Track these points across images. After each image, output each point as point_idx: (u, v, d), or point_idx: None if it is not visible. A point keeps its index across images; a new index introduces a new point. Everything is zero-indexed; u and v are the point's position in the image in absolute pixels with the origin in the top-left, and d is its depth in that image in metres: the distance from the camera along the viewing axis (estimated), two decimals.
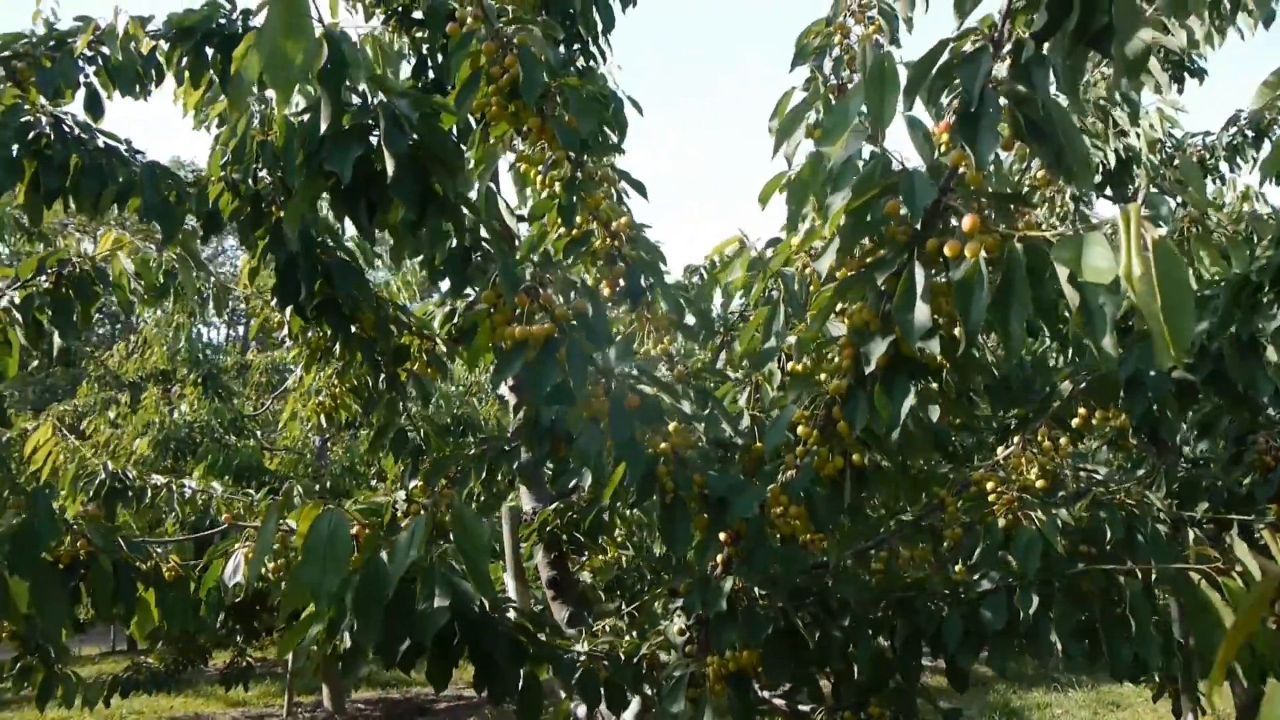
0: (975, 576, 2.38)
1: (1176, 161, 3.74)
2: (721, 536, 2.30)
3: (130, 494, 4.19)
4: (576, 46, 3.56)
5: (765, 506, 2.16)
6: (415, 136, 1.64)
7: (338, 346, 3.03)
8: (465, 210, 1.79)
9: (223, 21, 2.90)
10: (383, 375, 3.13)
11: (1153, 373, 2.60)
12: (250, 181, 2.55)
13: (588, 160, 2.15)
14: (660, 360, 2.43)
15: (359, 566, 2.23)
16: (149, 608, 2.80)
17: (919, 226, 1.63)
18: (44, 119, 2.52)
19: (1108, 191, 4.84)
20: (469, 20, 2.01)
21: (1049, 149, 1.52)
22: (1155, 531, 2.42)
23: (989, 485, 2.60)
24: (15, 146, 2.46)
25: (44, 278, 2.94)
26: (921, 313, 1.60)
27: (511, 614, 2.54)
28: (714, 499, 2.18)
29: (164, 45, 2.95)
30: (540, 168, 2.17)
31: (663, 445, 2.18)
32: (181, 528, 4.43)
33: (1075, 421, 2.67)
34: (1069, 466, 2.64)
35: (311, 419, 4.84)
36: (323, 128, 1.51)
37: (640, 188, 2.20)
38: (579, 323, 1.88)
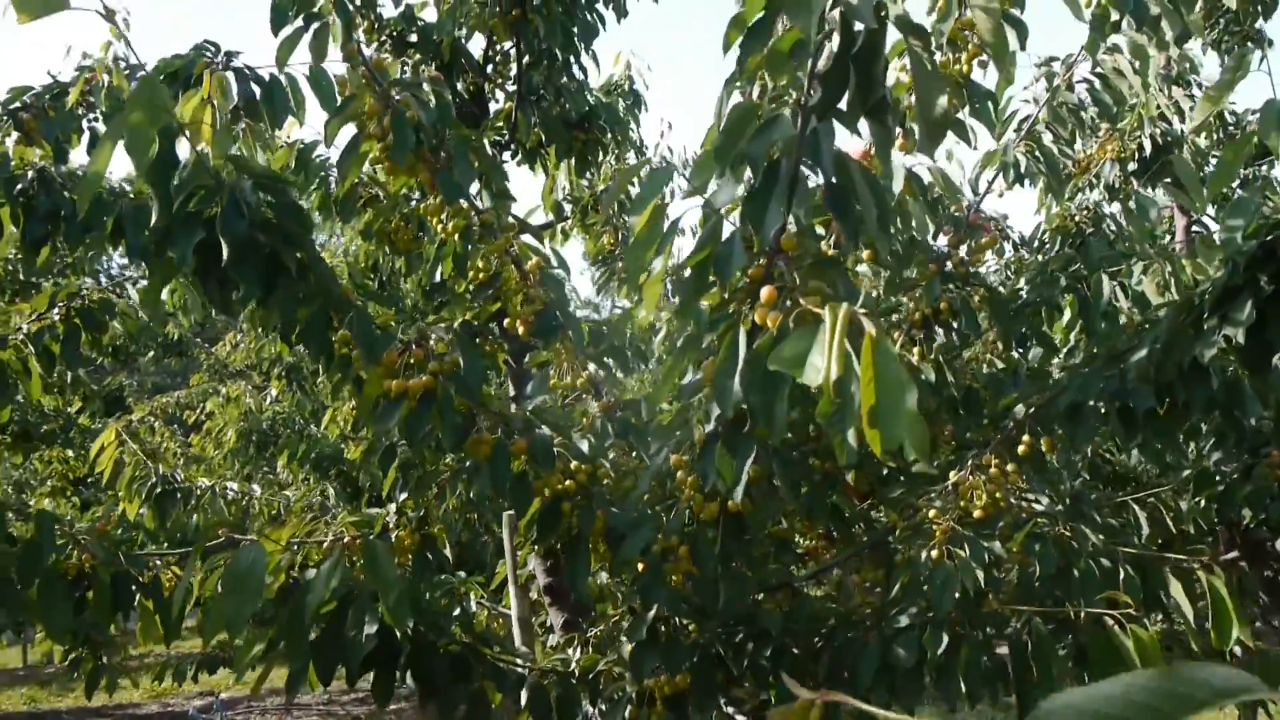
0: (894, 611, 2.36)
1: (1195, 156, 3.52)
2: (640, 567, 2.35)
3: (179, 496, 4.50)
4: (559, 64, 3.61)
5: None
6: (269, 212, 1.73)
7: (321, 368, 3.18)
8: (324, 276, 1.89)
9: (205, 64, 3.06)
10: None
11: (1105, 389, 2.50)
12: None
13: (487, 209, 2.21)
14: (583, 393, 2.48)
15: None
16: (152, 617, 3.02)
17: (726, 293, 1.63)
18: (30, 171, 2.74)
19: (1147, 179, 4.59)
20: (360, 81, 2.09)
21: (847, 221, 1.50)
22: (1089, 567, 2.34)
23: (930, 513, 2.56)
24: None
25: (56, 310, 3.19)
26: (738, 380, 1.60)
27: (457, 630, 2.65)
28: (615, 536, 2.23)
29: None
30: (441, 216, 2.24)
31: (567, 483, 2.24)
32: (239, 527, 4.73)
33: (1020, 449, 2.59)
34: (1014, 494, 2.56)
35: (349, 420, 5.10)
36: (153, 220, 1.63)
37: (535, 233, 2.25)
38: (452, 376, 1.95)
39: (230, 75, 2.39)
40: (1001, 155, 2.81)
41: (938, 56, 2.35)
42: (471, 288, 2.26)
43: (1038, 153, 2.85)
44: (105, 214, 2.87)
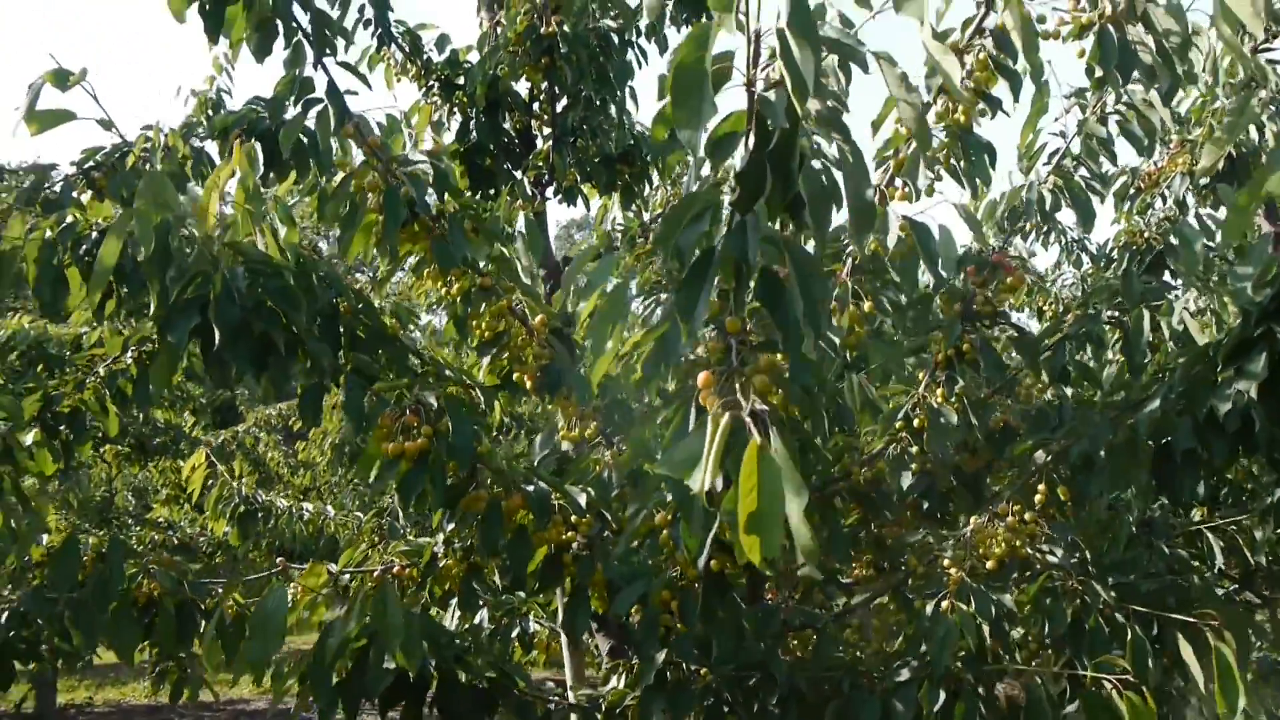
0: (897, 664, 2.35)
1: None
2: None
3: (259, 515, 4.77)
4: (598, 103, 3.68)
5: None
6: (263, 294, 1.86)
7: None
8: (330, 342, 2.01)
9: (254, 119, 3.25)
10: None
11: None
12: None
13: (484, 274, 2.30)
14: (596, 444, 2.55)
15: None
16: (215, 642, 3.22)
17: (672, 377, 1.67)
18: (93, 233, 2.96)
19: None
20: (362, 157, 2.20)
21: (778, 313, 1.52)
22: (1097, 624, 2.28)
23: (945, 561, 2.53)
24: (66, 258, 2.90)
25: (129, 354, 3.44)
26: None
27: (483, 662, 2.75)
28: (615, 587, 2.30)
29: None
30: (447, 280, 2.34)
31: (568, 534, 2.32)
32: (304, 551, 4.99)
33: (1037, 498, 2.53)
34: (1031, 544, 2.51)
35: None
36: (152, 309, 1.77)
37: (534, 291, 2.33)
38: (444, 438, 2.05)
39: (257, 144, 2.54)
40: (1026, 191, 2.75)
41: (937, 106, 2.33)
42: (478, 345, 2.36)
43: (1069, 186, 2.78)
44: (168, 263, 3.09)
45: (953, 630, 2.25)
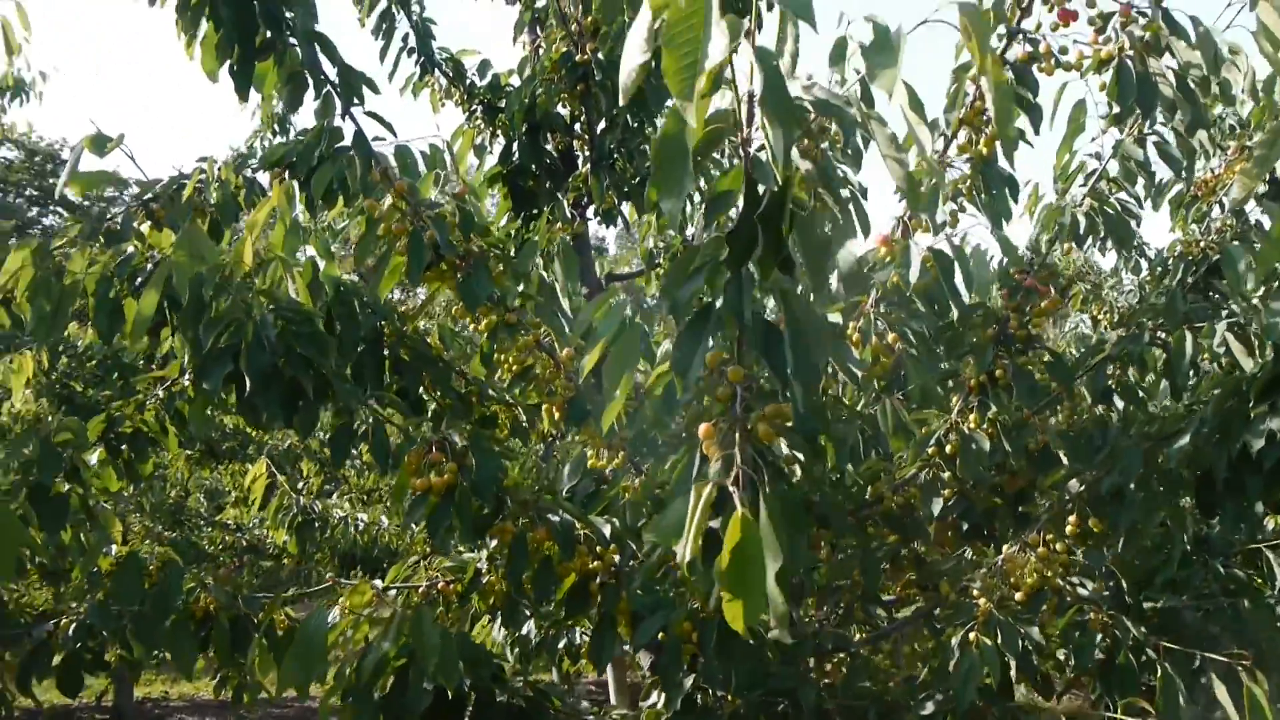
0: (922, 696, 2.35)
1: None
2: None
3: (317, 525, 4.92)
4: (635, 125, 3.72)
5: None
6: (293, 340, 1.94)
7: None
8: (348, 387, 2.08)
9: (301, 152, 3.36)
10: None
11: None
12: None
13: (510, 311, 2.36)
14: (626, 473, 2.58)
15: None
16: (268, 655, 3.34)
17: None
18: (149, 265, 3.09)
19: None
20: (391, 200, 2.28)
21: (775, 364, 1.54)
22: (1127, 660, 2.25)
23: (974, 591, 2.52)
24: (123, 290, 3.04)
25: (186, 376, 3.58)
26: None
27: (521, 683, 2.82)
28: (639, 616, 2.34)
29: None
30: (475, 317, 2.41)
31: (594, 564, 2.36)
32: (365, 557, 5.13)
33: (1068, 529, 2.50)
34: (1061, 576, 2.48)
35: None
36: (185, 359, 1.86)
37: (559, 329, 2.38)
38: (466, 473, 2.11)
39: (295, 183, 2.64)
40: (1060, 215, 2.71)
41: (960, 137, 2.31)
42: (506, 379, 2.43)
43: (1104, 210, 2.74)
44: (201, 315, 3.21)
45: (976, 665, 2.24)
